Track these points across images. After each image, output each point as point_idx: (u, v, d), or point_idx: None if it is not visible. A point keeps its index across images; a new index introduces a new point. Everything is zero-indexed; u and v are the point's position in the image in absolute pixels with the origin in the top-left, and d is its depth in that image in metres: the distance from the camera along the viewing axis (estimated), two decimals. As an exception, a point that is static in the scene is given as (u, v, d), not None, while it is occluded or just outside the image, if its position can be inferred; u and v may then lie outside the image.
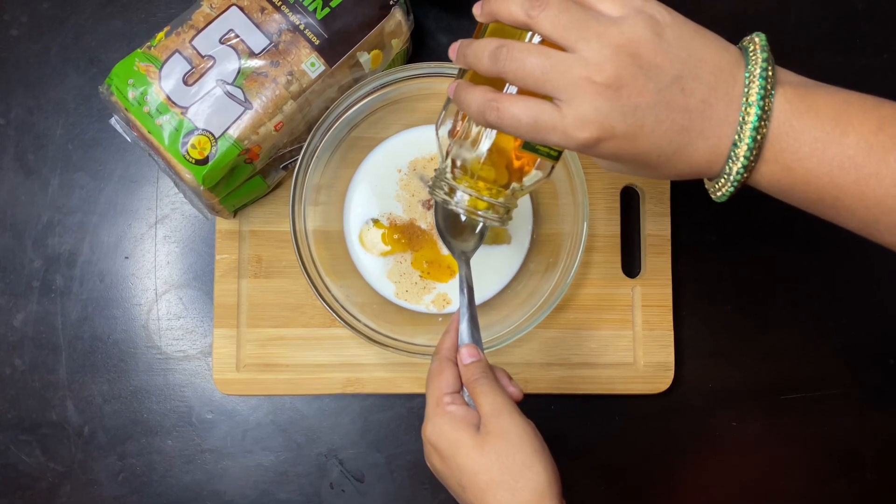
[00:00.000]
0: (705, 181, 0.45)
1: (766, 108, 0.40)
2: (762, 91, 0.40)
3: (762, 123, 0.40)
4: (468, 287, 0.54)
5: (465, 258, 0.57)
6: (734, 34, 0.75)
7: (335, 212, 0.67)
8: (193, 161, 0.56)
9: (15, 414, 0.67)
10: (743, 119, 0.40)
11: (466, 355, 0.50)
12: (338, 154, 0.65)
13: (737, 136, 0.40)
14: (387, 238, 0.66)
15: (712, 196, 0.45)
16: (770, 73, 0.40)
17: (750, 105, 0.40)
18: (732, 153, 0.41)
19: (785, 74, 0.43)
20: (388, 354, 0.65)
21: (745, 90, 0.40)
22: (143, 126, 0.57)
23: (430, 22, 0.71)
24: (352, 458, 0.68)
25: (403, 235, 0.66)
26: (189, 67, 0.57)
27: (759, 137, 0.40)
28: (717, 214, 0.71)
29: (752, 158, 0.40)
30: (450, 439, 0.47)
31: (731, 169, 0.41)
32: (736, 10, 0.73)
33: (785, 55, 0.73)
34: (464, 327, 0.52)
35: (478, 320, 0.53)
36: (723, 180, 0.42)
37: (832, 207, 0.42)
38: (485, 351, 0.61)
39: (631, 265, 0.70)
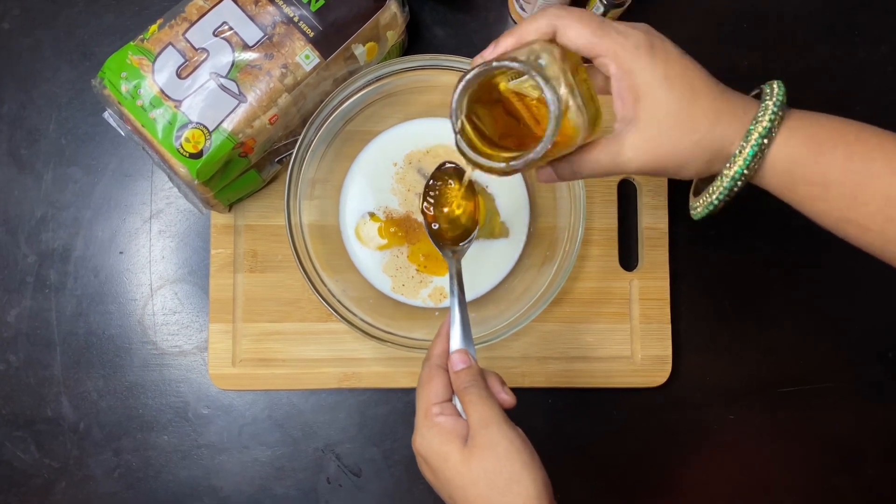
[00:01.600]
0: (691, 198, 0.47)
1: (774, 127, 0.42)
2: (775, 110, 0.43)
3: (765, 143, 0.42)
4: (459, 289, 0.53)
5: (455, 258, 0.57)
6: (731, 28, 0.75)
7: (331, 206, 0.66)
8: (187, 155, 0.56)
9: (10, 410, 0.67)
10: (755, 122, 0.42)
11: (457, 361, 0.49)
12: (333, 148, 0.65)
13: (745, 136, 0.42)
14: (383, 231, 0.66)
15: (697, 208, 0.46)
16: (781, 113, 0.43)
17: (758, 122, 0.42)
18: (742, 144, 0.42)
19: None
20: (384, 349, 0.65)
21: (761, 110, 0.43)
22: (137, 120, 0.56)
23: (425, 14, 0.71)
24: (349, 453, 0.68)
25: (400, 229, 0.66)
26: (182, 60, 0.56)
27: (760, 155, 0.43)
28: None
29: (753, 166, 0.43)
30: (437, 452, 0.46)
31: (731, 165, 0.43)
32: (733, 4, 0.73)
33: (783, 48, 0.73)
34: (455, 332, 0.51)
35: (469, 324, 0.52)
36: (726, 169, 0.43)
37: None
38: (482, 344, 0.61)
39: (628, 258, 0.70)
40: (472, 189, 0.60)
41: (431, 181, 0.60)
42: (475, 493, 0.44)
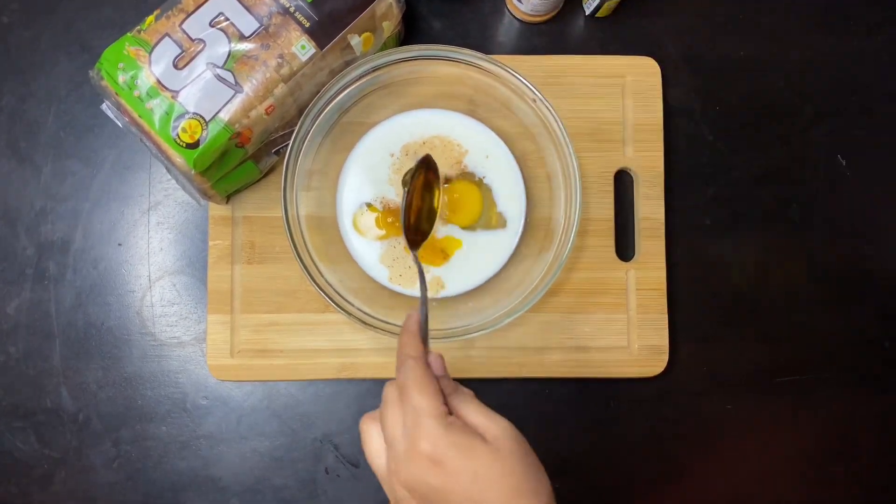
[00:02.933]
0: None
1: None
2: None
3: None
4: (423, 287, 0.53)
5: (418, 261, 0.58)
6: (727, 18, 0.75)
7: (328, 197, 0.67)
8: (184, 145, 0.56)
9: (9, 401, 0.67)
10: None
11: (439, 367, 0.47)
12: (329, 139, 0.65)
13: None
14: (380, 222, 0.66)
15: None
16: None
17: None
18: None
19: None
20: (382, 339, 0.65)
21: None
22: (134, 110, 0.56)
23: (422, 6, 0.71)
24: (347, 444, 0.68)
25: (397, 218, 0.66)
26: (179, 51, 0.57)
27: None
28: (711, 198, 0.71)
29: None
30: (465, 449, 0.42)
31: None
32: (730, -7, 0.73)
33: (778, 37, 0.74)
34: (424, 331, 0.48)
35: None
36: None
37: None
38: (479, 333, 0.61)
39: (625, 249, 0.70)
40: (430, 189, 0.62)
41: (405, 187, 0.61)
42: (513, 481, 0.42)
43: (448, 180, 0.67)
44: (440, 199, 0.64)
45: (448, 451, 0.41)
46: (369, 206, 0.66)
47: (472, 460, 0.41)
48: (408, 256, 0.66)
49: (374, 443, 0.45)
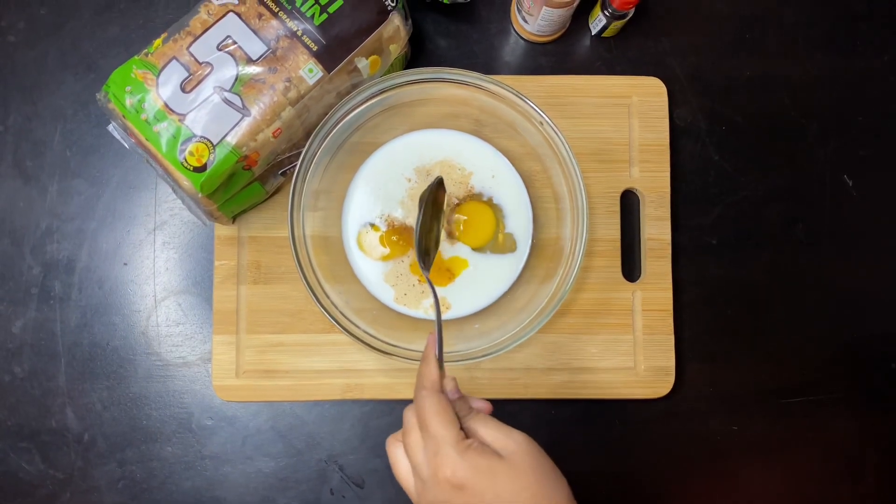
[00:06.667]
0: None
1: None
2: None
3: None
4: (437, 311, 0.54)
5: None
6: (733, 37, 0.75)
7: (334, 217, 0.66)
8: (191, 168, 0.56)
9: (14, 421, 0.67)
10: None
11: (454, 390, 0.49)
12: (336, 159, 0.65)
13: None
14: (384, 241, 0.66)
15: None
16: None
17: None
18: None
19: None
20: (387, 360, 0.65)
21: None
22: (141, 133, 0.56)
23: (428, 26, 0.71)
24: (352, 464, 0.68)
25: (401, 237, 0.66)
26: (187, 74, 0.57)
27: None
28: (717, 218, 0.71)
29: None
30: (485, 470, 0.44)
31: None
32: (734, 10, 0.73)
33: (784, 57, 0.74)
34: (439, 356, 0.50)
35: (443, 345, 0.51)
36: None
37: None
38: (486, 357, 0.61)
39: (631, 269, 0.70)
40: (439, 211, 0.61)
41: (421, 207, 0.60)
42: (528, 495, 0.44)
43: (458, 201, 0.67)
44: (444, 221, 0.64)
45: (468, 474, 0.44)
46: (373, 225, 0.66)
47: (492, 479, 0.44)
48: (411, 275, 0.66)
49: (402, 464, 0.48)
